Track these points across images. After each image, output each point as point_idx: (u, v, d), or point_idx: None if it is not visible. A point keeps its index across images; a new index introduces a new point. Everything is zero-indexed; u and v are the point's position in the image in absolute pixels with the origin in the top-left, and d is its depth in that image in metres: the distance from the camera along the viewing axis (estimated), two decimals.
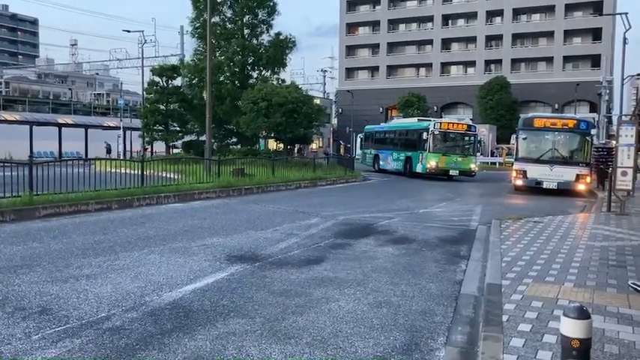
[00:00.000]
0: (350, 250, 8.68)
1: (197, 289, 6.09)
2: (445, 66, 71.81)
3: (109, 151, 40.74)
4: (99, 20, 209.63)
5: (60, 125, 42.23)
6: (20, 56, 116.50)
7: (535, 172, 19.86)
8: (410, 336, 4.85)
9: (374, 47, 75.79)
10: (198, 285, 6.24)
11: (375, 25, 75.54)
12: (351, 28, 77.10)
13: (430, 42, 71.90)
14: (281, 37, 33.15)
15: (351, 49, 77.31)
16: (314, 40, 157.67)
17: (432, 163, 26.24)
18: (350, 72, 77.39)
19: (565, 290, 5.93)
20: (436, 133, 26.73)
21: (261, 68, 34.22)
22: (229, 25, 33.70)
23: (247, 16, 33.40)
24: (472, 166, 26.89)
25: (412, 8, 73.47)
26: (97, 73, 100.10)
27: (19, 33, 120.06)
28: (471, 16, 69.77)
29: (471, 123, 29.18)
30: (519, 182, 20.32)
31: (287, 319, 5.14)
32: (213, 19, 27.80)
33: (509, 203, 17.35)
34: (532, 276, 6.55)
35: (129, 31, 44.82)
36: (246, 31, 33.51)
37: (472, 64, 69.87)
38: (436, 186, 23.41)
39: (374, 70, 76.08)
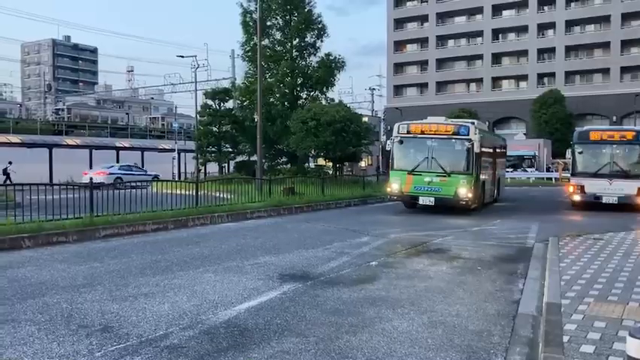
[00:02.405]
0: (402, 269, 8.59)
1: (251, 307, 6.16)
2: (496, 80, 70.71)
3: None
4: (154, 47, 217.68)
5: (117, 149, 43.85)
6: (81, 83, 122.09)
7: (593, 186, 19.17)
8: (466, 357, 4.75)
9: (422, 64, 75.49)
10: (252, 303, 6.31)
11: (423, 41, 75.30)
12: (399, 45, 77.12)
13: (480, 57, 71.04)
14: (330, 58, 33.52)
15: (399, 67, 77.25)
16: (361, 59, 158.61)
17: (394, 185, 17.70)
18: (398, 89, 77.22)
19: (630, 310, 5.68)
20: (397, 140, 17.81)
21: (310, 89, 34.63)
22: (279, 48, 34.36)
23: (296, 39, 33.99)
24: (462, 190, 16.70)
25: (461, 24, 72.91)
26: (152, 98, 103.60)
27: (79, 62, 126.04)
28: (521, 29, 68.63)
29: (462, 122, 18.38)
30: (577, 198, 19.65)
31: (340, 339, 5.12)
32: (263, 43, 28.43)
33: (566, 220, 16.80)
34: (593, 295, 6.31)
35: (182, 57, 46.14)
36: (295, 53, 34.07)
37: (524, 77, 68.53)
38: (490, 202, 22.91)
39: (423, 86, 75.68)
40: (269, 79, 32.97)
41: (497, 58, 70.41)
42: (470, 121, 19.31)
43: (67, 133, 60.49)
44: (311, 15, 33.81)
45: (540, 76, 67.38)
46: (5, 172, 33.14)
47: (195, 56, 43.30)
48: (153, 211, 13.86)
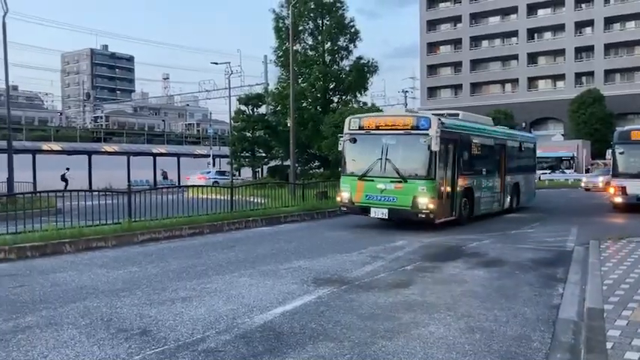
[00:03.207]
0: (438, 273, 8.50)
1: (286, 311, 6.18)
2: (532, 81, 69.45)
3: (165, 179, 42.10)
4: (189, 54, 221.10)
5: (154, 155, 44.65)
6: (118, 91, 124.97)
7: (636, 187, 18.60)
8: None
9: (456, 65, 74.72)
10: (287, 308, 6.33)
11: (456, 42, 74.55)
12: (432, 47, 76.53)
13: (515, 57, 69.89)
14: (362, 62, 33.49)
15: (432, 68, 76.64)
16: (394, 62, 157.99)
17: (344, 194, 14.66)
18: (432, 91, 76.60)
19: None
20: (348, 138, 14.65)
21: (342, 93, 34.64)
22: (311, 53, 34.45)
23: (328, 43, 34.05)
24: (421, 200, 13.32)
25: (495, 24, 71.89)
26: (188, 105, 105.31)
27: (117, 70, 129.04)
28: (558, 28, 67.24)
29: (421, 114, 14.69)
30: (618, 199, 19.08)
31: (376, 344, 5.09)
32: (295, 48, 28.55)
33: (607, 222, 16.34)
34: (637, 300, 6.11)
35: (217, 63, 46.96)
36: (327, 58, 34.12)
37: (561, 77, 67.10)
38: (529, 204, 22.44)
39: (457, 88, 74.89)
40: (301, 84, 33.08)
41: (533, 57, 69.15)
42: (455, 113, 16.68)
43: (106, 140, 61.97)
44: (343, 19, 33.82)
45: (578, 76, 65.83)
46: (64, 178, 34.28)
47: (229, 63, 43.88)
48: (189, 216, 14.05)
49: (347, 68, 33.89)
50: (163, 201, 13.73)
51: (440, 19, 75.76)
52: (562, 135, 60.44)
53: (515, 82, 70.24)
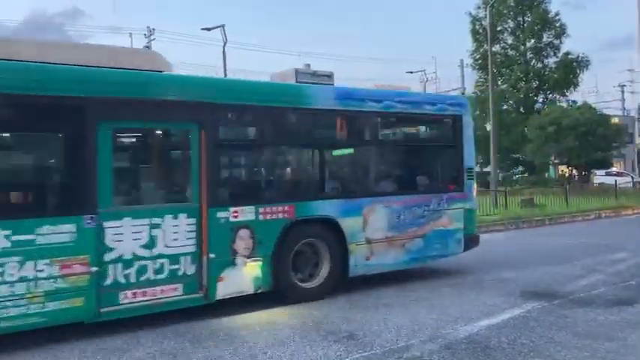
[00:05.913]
0: None
1: (492, 325, 5.95)
2: None
3: None
4: (382, 65, 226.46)
5: None
6: None
7: None
8: None
9: None
10: (494, 321, 6.09)
11: None
12: None
13: None
14: (570, 57, 31.24)
15: None
16: (604, 55, 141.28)
17: None
18: None
19: None
20: None
21: (547, 92, 32.63)
22: (511, 52, 33.09)
23: (531, 41, 32.41)
24: None
25: None
26: None
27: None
28: None
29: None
30: None
31: None
32: (493, 49, 27.58)
33: None
34: None
35: (411, 72, 47.02)
36: (529, 56, 32.44)
37: None
38: None
39: None
40: (501, 86, 31.85)
41: None
42: None
43: None
44: (546, 13, 31.86)
45: None
46: None
47: (424, 70, 43.79)
48: None
49: (552, 65, 31.86)
50: None
51: None
52: None
53: None
